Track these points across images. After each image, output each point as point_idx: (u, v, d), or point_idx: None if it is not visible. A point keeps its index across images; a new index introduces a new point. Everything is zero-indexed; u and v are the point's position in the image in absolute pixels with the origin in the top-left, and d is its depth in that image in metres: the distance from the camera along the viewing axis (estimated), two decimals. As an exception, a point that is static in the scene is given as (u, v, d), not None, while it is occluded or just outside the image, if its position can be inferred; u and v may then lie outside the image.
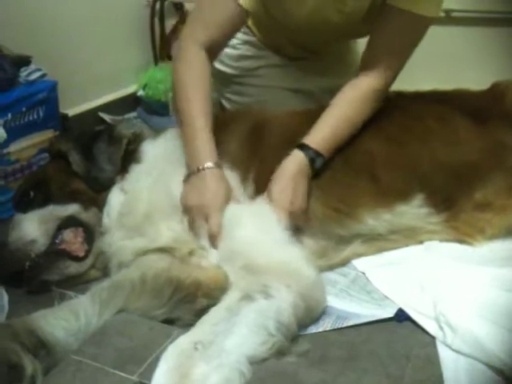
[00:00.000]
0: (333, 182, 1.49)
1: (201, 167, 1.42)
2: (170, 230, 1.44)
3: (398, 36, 1.53)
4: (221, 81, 2.00)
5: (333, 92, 1.61)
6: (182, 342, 1.07)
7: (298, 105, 1.85)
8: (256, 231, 1.35)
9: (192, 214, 1.42)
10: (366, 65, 1.55)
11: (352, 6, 1.63)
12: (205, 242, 1.39)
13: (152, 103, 2.74)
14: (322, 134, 1.48)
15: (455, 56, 2.28)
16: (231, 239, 1.35)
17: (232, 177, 1.48)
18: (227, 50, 1.91)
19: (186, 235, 1.44)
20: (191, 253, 1.41)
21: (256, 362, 1.08)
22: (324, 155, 1.47)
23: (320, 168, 1.48)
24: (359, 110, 1.52)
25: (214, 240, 1.37)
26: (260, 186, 1.48)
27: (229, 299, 1.17)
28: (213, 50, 1.55)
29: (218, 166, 1.44)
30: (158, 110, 2.74)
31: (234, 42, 1.90)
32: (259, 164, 1.51)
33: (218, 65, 1.97)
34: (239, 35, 1.89)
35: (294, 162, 1.45)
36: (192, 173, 1.44)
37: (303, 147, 1.46)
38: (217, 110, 2.12)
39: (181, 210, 1.45)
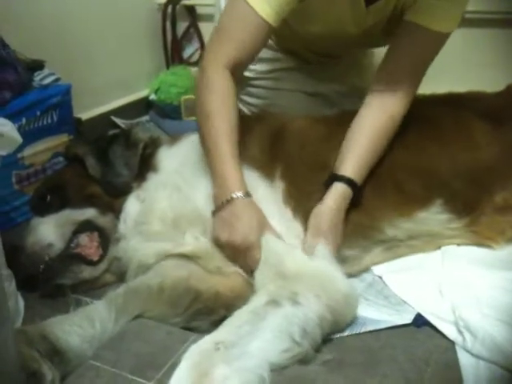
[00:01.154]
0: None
1: (229, 198, 1.35)
2: (196, 239, 1.43)
3: (415, 52, 1.51)
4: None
5: (349, 96, 1.60)
6: (204, 342, 1.06)
7: (313, 108, 1.84)
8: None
9: (227, 250, 1.37)
10: (386, 84, 1.51)
11: (371, 20, 1.63)
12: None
13: (164, 107, 2.74)
14: (357, 164, 1.44)
15: (468, 58, 2.27)
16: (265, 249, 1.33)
17: (257, 178, 1.47)
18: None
19: (212, 247, 1.41)
20: (217, 266, 1.40)
21: (276, 369, 1.07)
22: (360, 186, 1.44)
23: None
24: (386, 137, 1.49)
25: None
26: (288, 189, 1.46)
27: (255, 302, 1.16)
28: (238, 69, 1.49)
29: (247, 195, 1.36)
30: (170, 113, 2.74)
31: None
32: (283, 168, 1.49)
33: None
34: None
35: (341, 198, 1.41)
36: (220, 205, 1.37)
37: (346, 180, 1.42)
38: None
39: (205, 220, 1.43)
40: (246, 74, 1.93)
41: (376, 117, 1.49)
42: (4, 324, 0.91)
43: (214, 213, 1.39)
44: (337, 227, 1.40)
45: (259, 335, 1.08)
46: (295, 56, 1.94)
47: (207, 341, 1.06)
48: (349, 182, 1.41)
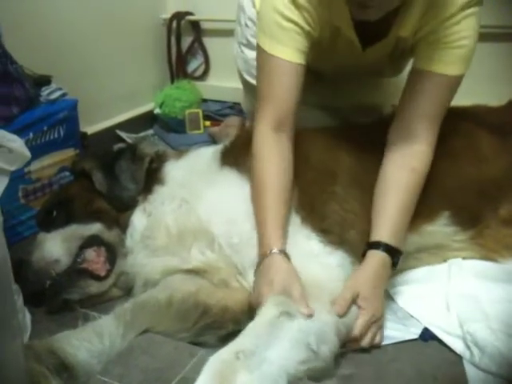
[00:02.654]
0: (365, 209, 1.44)
1: (264, 254, 1.30)
2: (202, 254, 1.44)
3: (426, 99, 1.45)
4: (252, 93, 2.00)
5: (361, 111, 1.62)
6: (224, 352, 1.05)
7: (325, 122, 1.84)
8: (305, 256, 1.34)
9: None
10: (404, 136, 1.47)
11: (371, 59, 1.63)
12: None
13: (169, 120, 2.76)
14: (395, 227, 1.38)
15: (473, 71, 2.28)
16: None
17: None
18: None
19: (219, 261, 1.42)
20: (223, 280, 1.41)
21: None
22: (401, 250, 1.39)
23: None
24: (414, 191, 1.43)
25: None
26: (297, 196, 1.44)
27: (268, 315, 1.13)
28: (287, 120, 1.46)
29: (282, 252, 1.30)
30: (174, 127, 2.76)
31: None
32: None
33: (249, 78, 1.99)
34: None
35: (381, 265, 1.34)
36: (259, 260, 1.32)
37: (385, 247, 1.35)
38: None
39: (210, 233, 1.44)
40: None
41: (400, 175, 1.43)
42: (14, 339, 0.91)
43: (256, 268, 1.34)
44: (375, 294, 1.31)
45: (277, 343, 1.07)
46: (308, 71, 1.94)
47: (227, 351, 1.05)
48: (386, 247, 1.35)
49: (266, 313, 1.14)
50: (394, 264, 1.36)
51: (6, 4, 1.88)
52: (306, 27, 1.43)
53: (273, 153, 1.42)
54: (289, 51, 1.43)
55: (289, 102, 1.46)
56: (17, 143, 1.30)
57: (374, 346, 1.26)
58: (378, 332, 1.28)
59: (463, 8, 1.38)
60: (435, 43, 1.42)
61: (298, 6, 1.40)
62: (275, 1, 1.42)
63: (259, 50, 1.48)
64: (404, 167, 1.43)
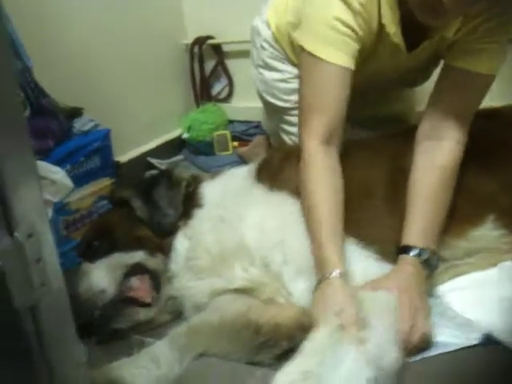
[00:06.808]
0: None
1: (323, 276, 1.28)
2: (245, 271, 1.42)
3: (458, 96, 1.46)
4: (274, 113, 2.02)
5: (386, 121, 1.67)
6: (292, 371, 1.03)
7: (348, 134, 1.83)
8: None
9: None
10: (433, 134, 1.46)
11: (411, 64, 1.62)
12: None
13: (197, 144, 2.78)
14: (424, 229, 1.37)
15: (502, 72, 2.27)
16: None
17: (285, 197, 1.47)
18: (279, 84, 1.94)
19: (263, 277, 1.41)
20: (272, 295, 1.39)
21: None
22: (433, 248, 1.36)
23: (437, 264, 1.37)
24: (445, 189, 1.42)
25: None
26: None
27: (324, 337, 1.11)
28: (335, 132, 1.44)
29: (342, 275, 1.27)
30: (203, 150, 2.78)
31: (285, 76, 1.91)
32: None
33: (270, 98, 2.00)
34: (290, 69, 1.90)
35: (408, 271, 1.31)
36: (318, 281, 1.30)
37: (410, 250, 1.34)
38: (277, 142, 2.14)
39: (250, 249, 1.43)
40: (283, 104, 1.96)
41: (428, 178, 1.41)
42: (78, 367, 0.90)
43: (315, 289, 1.31)
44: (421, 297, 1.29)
45: (344, 362, 1.04)
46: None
47: (295, 370, 1.03)
48: (415, 250, 1.34)
49: (322, 335, 1.12)
50: (429, 263, 1.35)
51: (36, 40, 1.91)
52: (360, 32, 1.42)
53: (325, 172, 1.41)
54: (343, 56, 1.42)
55: (341, 111, 1.44)
56: (59, 174, 1.32)
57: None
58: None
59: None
60: (473, 42, 1.42)
61: (353, 11, 1.40)
62: (330, 6, 1.41)
63: (306, 57, 1.45)
64: (432, 169, 1.42)
